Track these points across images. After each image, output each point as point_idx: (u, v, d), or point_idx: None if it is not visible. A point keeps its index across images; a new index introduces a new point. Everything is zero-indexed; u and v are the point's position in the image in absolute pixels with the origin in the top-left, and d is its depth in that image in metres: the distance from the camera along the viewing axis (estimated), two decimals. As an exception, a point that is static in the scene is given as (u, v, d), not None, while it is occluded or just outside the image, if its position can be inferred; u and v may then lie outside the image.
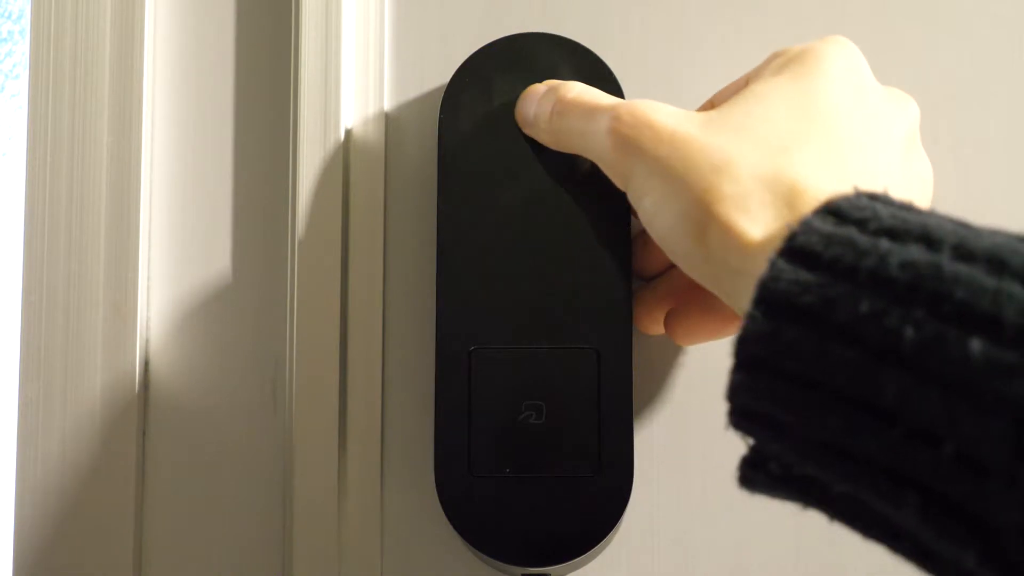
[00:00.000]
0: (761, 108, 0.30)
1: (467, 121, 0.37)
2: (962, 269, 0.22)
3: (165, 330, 0.41)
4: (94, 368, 0.40)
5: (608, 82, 0.37)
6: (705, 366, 0.40)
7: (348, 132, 0.40)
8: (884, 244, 0.23)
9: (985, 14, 0.41)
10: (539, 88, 0.37)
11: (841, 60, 0.31)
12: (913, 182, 0.32)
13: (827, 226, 0.25)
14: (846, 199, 0.25)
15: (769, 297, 0.24)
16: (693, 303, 0.37)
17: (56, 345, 0.40)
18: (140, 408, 0.40)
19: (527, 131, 0.37)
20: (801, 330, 0.24)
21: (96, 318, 0.40)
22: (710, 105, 0.36)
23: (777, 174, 0.28)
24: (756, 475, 0.26)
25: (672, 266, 0.38)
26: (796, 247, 0.25)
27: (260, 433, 0.41)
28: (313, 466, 0.39)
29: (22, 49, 0.50)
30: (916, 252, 0.23)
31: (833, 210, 0.25)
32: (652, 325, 0.38)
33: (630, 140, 0.31)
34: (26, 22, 0.44)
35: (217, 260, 0.41)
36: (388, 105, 0.41)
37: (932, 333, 0.21)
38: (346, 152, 0.40)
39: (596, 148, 0.33)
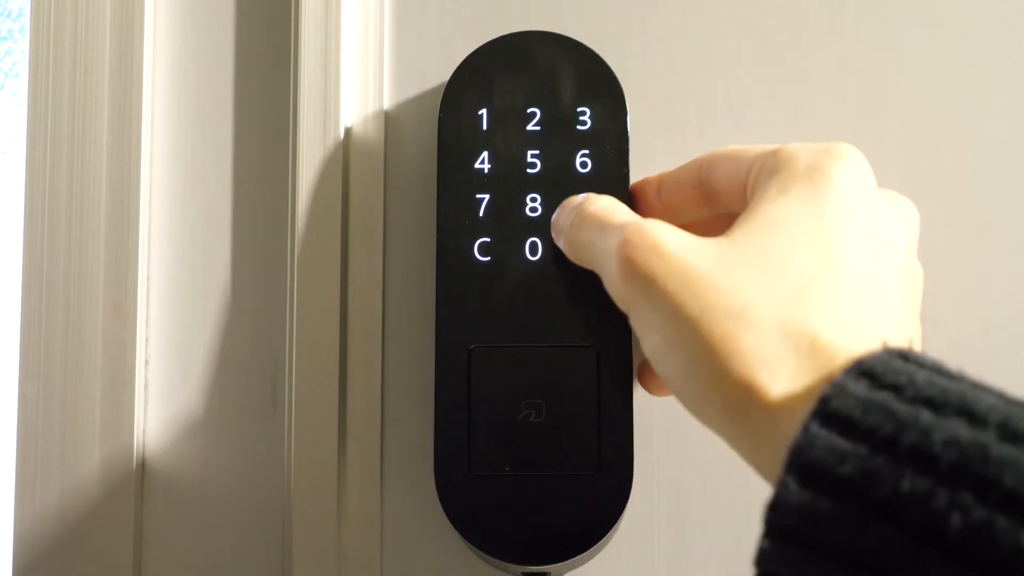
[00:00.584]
0: (775, 240, 0.28)
1: (467, 120, 0.37)
2: (1009, 452, 0.21)
3: (165, 330, 0.41)
4: (94, 368, 0.40)
5: (608, 82, 0.37)
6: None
7: (348, 131, 0.40)
8: (925, 417, 0.22)
9: (985, 14, 0.41)
10: (574, 198, 0.35)
11: (849, 179, 0.30)
12: (914, 296, 0.31)
13: (861, 390, 0.24)
14: (878, 359, 0.24)
15: (803, 464, 0.23)
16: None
17: (56, 344, 0.40)
18: (140, 408, 0.40)
19: (556, 242, 0.36)
20: (839, 503, 0.22)
21: (96, 318, 0.40)
22: (657, 185, 0.35)
23: (797, 322, 0.27)
24: None
25: None
26: (831, 411, 0.23)
27: (260, 433, 0.40)
28: (313, 466, 0.39)
29: (22, 48, 0.50)
30: (960, 428, 0.22)
31: (867, 371, 0.24)
32: (661, 387, 0.37)
33: (637, 266, 0.29)
34: (26, 20, 0.44)
35: (217, 260, 0.41)
36: (388, 104, 0.41)
37: (980, 520, 0.21)
38: (346, 151, 0.40)
39: (603, 267, 0.31)
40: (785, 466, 0.23)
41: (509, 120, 0.37)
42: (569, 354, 0.36)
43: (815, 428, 0.23)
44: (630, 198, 0.37)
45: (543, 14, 0.41)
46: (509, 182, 0.37)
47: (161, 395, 0.41)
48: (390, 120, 0.41)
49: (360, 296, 0.40)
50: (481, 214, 0.37)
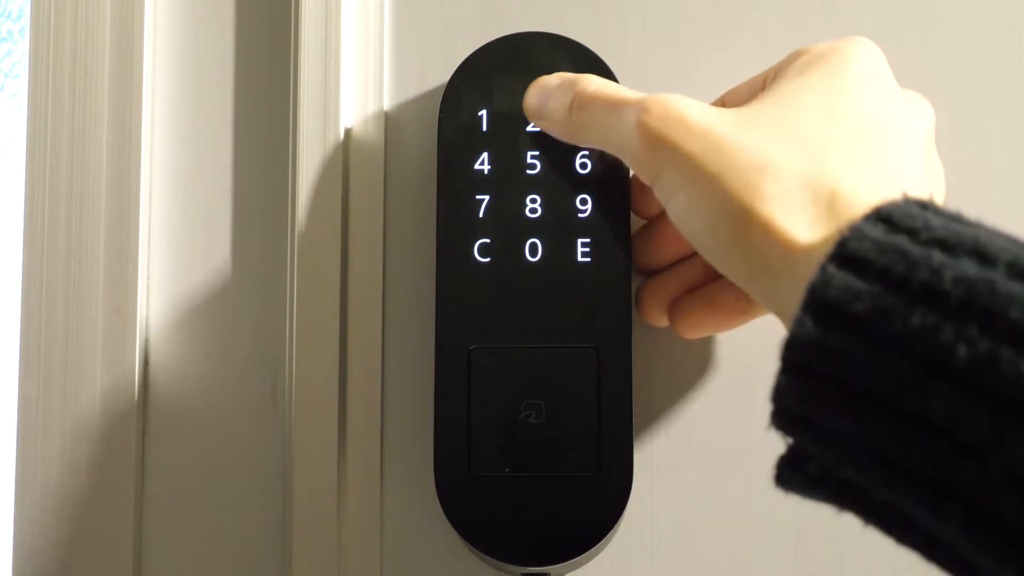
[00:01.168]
0: (793, 108, 0.30)
1: (467, 121, 0.37)
2: (1016, 288, 0.22)
3: (165, 330, 0.41)
4: (94, 368, 0.40)
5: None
6: (706, 366, 0.40)
7: (348, 131, 0.40)
8: (937, 256, 0.23)
9: (985, 14, 0.41)
10: (551, 80, 0.36)
11: (866, 62, 0.31)
12: (933, 185, 0.32)
13: (878, 233, 0.25)
14: (896, 206, 0.25)
15: (819, 302, 0.24)
16: (698, 297, 0.37)
17: (56, 344, 0.40)
18: (140, 408, 0.40)
19: (537, 123, 0.36)
20: (851, 338, 0.23)
21: (96, 318, 0.40)
22: (721, 104, 0.36)
23: (817, 175, 0.28)
24: (794, 475, 0.26)
25: (679, 260, 0.38)
26: (848, 253, 0.24)
27: (260, 433, 0.41)
28: (313, 466, 0.39)
29: (22, 48, 0.50)
30: (969, 267, 0.23)
31: (884, 217, 0.25)
32: (660, 317, 0.38)
33: (660, 135, 0.30)
34: (26, 21, 0.44)
35: (217, 260, 0.41)
36: (388, 104, 0.41)
37: (985, 351, 0.21)
38: (346, 151, 0.40)
39: (622, 142, 0.32)
40: (802, 305, 0.24)
41: (509, 121, 0.37)
42: (569, 354, 0.36)
43: (832, 269, 0.24)
44: (629, 199, 0.37)
45: (543, 14, 0.41)
46: (509, 183, 0.37)
47: (161, 394, 0.41)
48: (390, 120, 0.41)
49: (360, 296, 0.40)
50: (481, 214, 0.37)
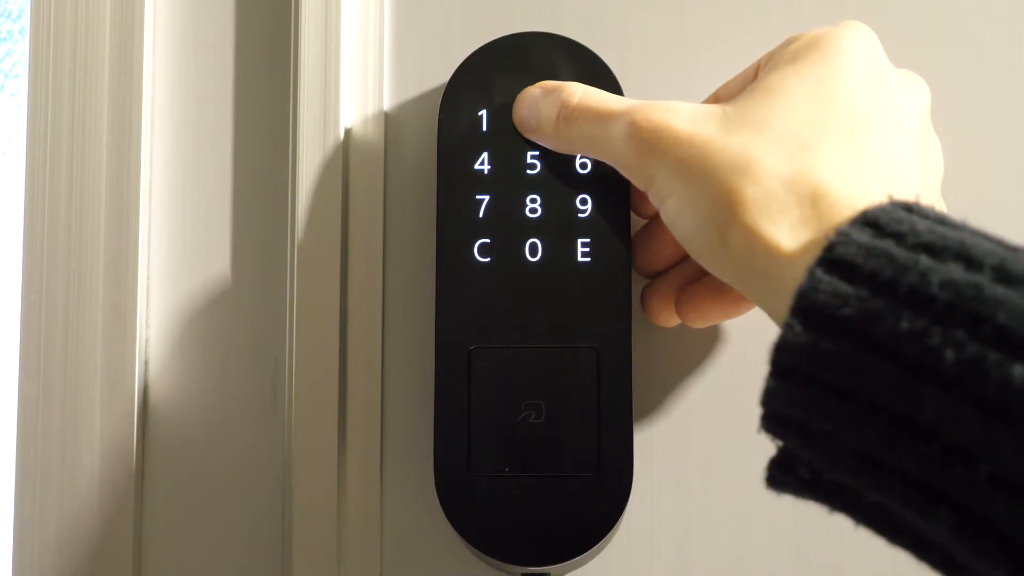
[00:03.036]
0: (779, 102, 0.30)
1: (467, 121, 0.37)
2: (1003, 292, 0.22)
3: (165, 330, 0.41)
4: (94, 368, 0.40)
5: (608, 82, 0.37)
6: (705, 366, 0.40)
7: (348, 131, 0.40)
8: (924, 261, 0.23)
9: (985, 14, 0.41)
10: (534, 92, 0.36)
11: (858, 46, 0.31)
12: (928, 166, 0.32)
13: (865, 237, 0.25)
14: (882, 210, 0.25)
15: (808, 307, 0.24)
16: (704, 285, 0.37)
17: (56, 345, 0.40)
18: (140, 408, 0.40)
19: (529, 136, 0.36)
20: (840, 342, 0.24)
21: (96, 318, 0.40)
22: (714, 99, 0.36)
23: (799, 174, 0.28)
24: (785, 477, 0.26)
25: (680, 260, 0.38)
26: (835, 258, 0.25)
27: (260, 433, 0.41)
28: (313, 466, 0.39)
29: (22, 48, 0.50)
30: (956, 271, 0.23)
31: (871, 221, 0.25)
32: (668, 317, 0.38)
33: (649, 144, 0.31)
34: (26, 21, 0.44)
35: (217, 260, 0.41)
36: (388, 104, 0.41)
37: (972, 355, 0.22)
38: (346, 151, 0.40)
39: (612, 153, 0.33)
40: (791, 309, 0.25)
41: (509, 121, 0.37)
42: (569, 354, 0.36)
43: (820, 274, 0.25)
44: (629, 199, 0.37)
45: (543, 14, 0.41)
46: (509, 183, 0.37)
47: (161, 395, 0.41)
48: (390, 120, 0.41)
49: (360, 296, 0.40)
50: (481, 214, 0.37)
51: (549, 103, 0.35)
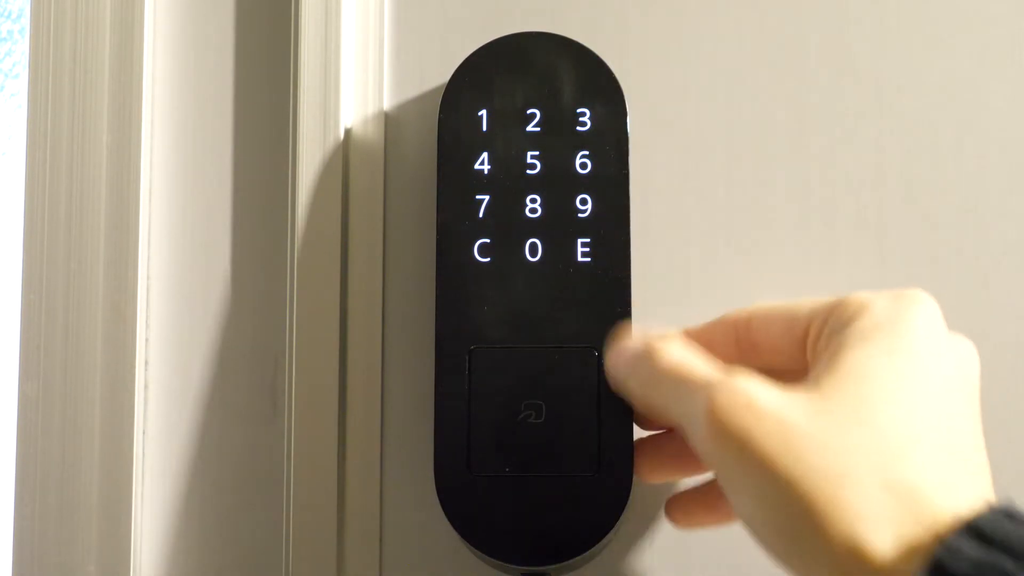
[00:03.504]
0: (865, 395, 0.28)
1: (467, 121, 0.37)
2: None
3: (165, 330, 0.41)
4: (94, 368, 0.40)
5: (608, 82, 0.37)
6: (705, 366, 0.40)
7: (348, 132, 0.40)
8: None
9: (985, 14, 0.41)
10: (632, 346, 0.34)
11: (929, 329, 0.30)
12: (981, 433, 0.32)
13: (974, 552, 0.24)
14: (987, 520, 0.25)
15: None
16: (697, 497, 0.36)
17: (55, 344, 0.40)
18: (140, 408, 0.40)
19: (616, 389, 0.35)
20: None
21: (96, 318, 0.40)
22: (750, 341, 0.34)
23: (899, 478, 0.26)
24: None
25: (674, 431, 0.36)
26: (946, 574, 0.24)
27: (260, 433, 0.41)
28: (313, 466, 0.39)
29: (22, 48, 0.50)
30: None
31: (976, 531, 0.24)
32: (653, 478, 0.37)
33: (731, 428, 0.28)
34: (26, 21, 0.44)
35: (217, 260, 0.41)
36: (388, 104, 0.41)
37: None
38: (345, 152, 0.40)
39: (687, 426, 0.30)
40: None
41: (509, 121, 0.37)
42: (569, 354, 0.36)
43: None
44: (629, 199, 0.37)
45: (543, 14, 0.41)
46: (509, 183, 0.37)
47: (161, 395, 0.41)
48: (390, 120, 0.41)
49: (360, 296, 0.40)
50: (481, 214, 0.37)
51: (642, 364, 0.33)
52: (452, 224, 0.37)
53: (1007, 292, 0.40)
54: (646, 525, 0.40)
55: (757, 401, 0.28)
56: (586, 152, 0.37)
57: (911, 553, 0.25)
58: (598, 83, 0.37)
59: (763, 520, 0.28)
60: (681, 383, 0.30)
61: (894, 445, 0.27)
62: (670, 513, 0.37)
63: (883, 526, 0.26)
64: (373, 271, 0.40)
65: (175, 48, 0.42)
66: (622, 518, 0.36)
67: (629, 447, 0.36)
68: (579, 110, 0.37)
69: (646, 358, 0.32)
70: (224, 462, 0.41)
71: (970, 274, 0.40)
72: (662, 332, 0.34)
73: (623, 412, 0.36)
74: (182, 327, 0.41)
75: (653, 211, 0.40)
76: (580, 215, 0.37)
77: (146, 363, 0.41)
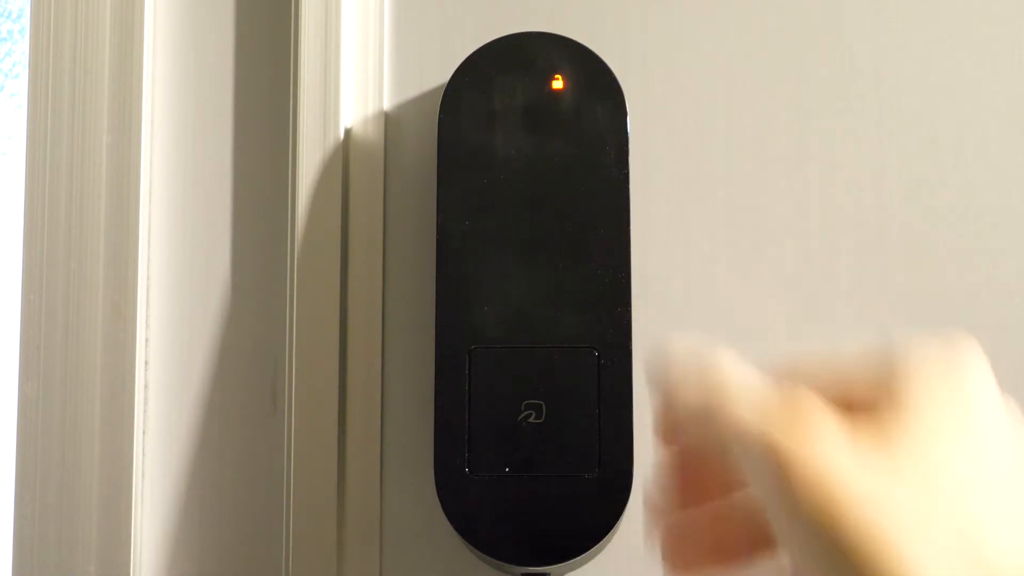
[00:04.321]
0: (934, 455, 0.28)
1: (467, 121, 0.37)
2: None
3: (165, 330, 0.41)
4: (94, 368, 0.40)
5: (608, 82, 0.37)
6: (705, 366, 0.40)
7: (348, 131, 0.40)
8: None
9: (985, 14, 0.41)
10: (689, 386, 0.30)
11: (985, 384, 0.30)
12: None
13: None
14: None
15: None
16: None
17: (55, 344, 0.40)
18: (140, 408, 0.40)
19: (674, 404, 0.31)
20: None
21: (96, 318, 0.40)
22: (844, 403, 0.30)
23: (973, 549, 0.27)
24: None
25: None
26: None
27: (260, 433, 0.41)
28: (313, 466, 0.39)
29: (22, 48, 0.50)
30: None
31: None
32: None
33: (788, 480, 0.26)
34: (26, 21, 0.44)
35: (217, 260, 0.41)
36: (388, 104, 0.41)
37: None
38: (345, 151, 0.40)
39: (758, 487, 0.28)
40: None
41: (509, 121, 0.37)
42: (569, 355, 0.36)
43: None
44: (629, 199, 0.37)
45: (543, 14, 0.41)
46: (509, 183, 0.37)
47: (161, 395, 0.41)
48: (390, 120, 0.41)
49: (360, 296, 0.40)
50: (481, 214, 0.37)
51: (699, 393, 0.30)
52: (452, 224, 0.37)
53: (1007, 292, 0.40)
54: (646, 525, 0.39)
55: (822, 448, 0.26)
56: (586, 152, 0.37)
57: None
58: (598, 83, 0.37)
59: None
60: (735, 423, 0.28)
61: (962, 514, 0.27)
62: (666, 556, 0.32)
63: None
64: (373, 271, 0.40)
65: (175, 48, 0.42)
66: (622, 518, 0.36)
67: (629, 447, 0.36)
68: (579, 110, 0.37)
69: (704, 390, 0.29)
70: (224, 462, 0.40)
71: (970, 274, 0.40)
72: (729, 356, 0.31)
73: (623, 412, 0.36)
74: (182, 327, 0.41)
75: (653, 211, 0.40)
76: (580, 215, 0.37)
77: (146, 363, 0.41)
